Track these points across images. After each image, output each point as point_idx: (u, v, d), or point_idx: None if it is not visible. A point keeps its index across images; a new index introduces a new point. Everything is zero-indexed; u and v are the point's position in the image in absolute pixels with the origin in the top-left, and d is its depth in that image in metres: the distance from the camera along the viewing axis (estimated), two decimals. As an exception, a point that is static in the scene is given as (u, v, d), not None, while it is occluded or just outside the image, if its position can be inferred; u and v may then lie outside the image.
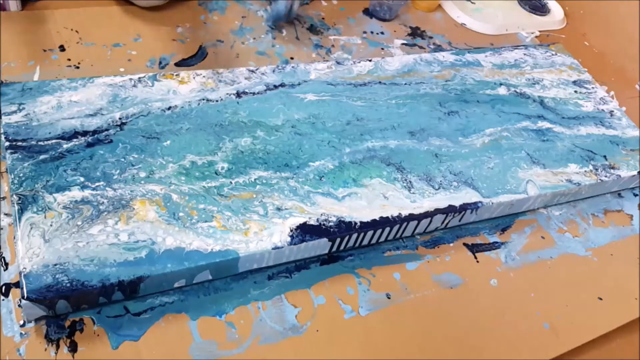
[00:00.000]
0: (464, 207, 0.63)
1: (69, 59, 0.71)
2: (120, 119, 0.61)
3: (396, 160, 0.66)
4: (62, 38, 0.73)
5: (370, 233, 0.59)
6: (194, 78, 0.68)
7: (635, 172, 0.74)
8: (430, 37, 0.95)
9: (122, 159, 0.57)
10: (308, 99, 0.70)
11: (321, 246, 0.57)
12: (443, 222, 0.64)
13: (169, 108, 0.64)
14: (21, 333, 0.48)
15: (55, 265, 0.48)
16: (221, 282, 0.55)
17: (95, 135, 0.59)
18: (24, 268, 0.47)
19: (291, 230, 0.55)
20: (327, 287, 0.57)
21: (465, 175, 0.66)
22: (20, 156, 0.55)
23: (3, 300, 0.49)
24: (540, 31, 1.05)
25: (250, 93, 0.69)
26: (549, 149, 0.73)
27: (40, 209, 0.51)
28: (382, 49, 0.89)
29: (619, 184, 0.75)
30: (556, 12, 1.09)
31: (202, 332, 0.51)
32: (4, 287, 0.50)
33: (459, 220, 0.65)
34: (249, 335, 0.52)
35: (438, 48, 0.93)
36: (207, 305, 0.53)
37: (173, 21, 0.81)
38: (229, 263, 0.52)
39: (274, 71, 0.73)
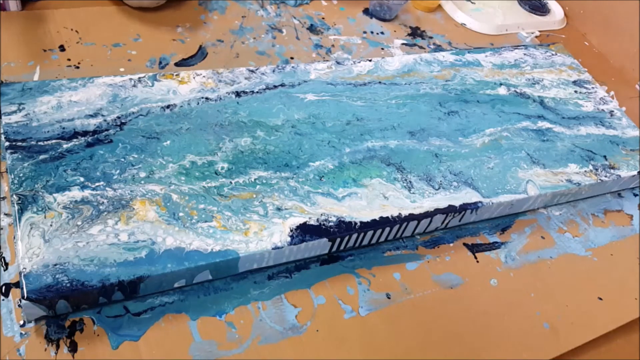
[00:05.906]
0: (464, 207, 0.63)
1: (69, 59, 0.71)
2: (120, 118, 0.61)
3: (396, 160, 0.66)
4: (62, 38, 0.73)
5: (370, 233, 0.59)
6: (194, 78, 0.68)
7: (635, 172, 0.74)
8: (430, 37, 0.95)
9: (122, 159, 0.57)
10: (308, 99, 0.70)
11: (321, 246, 0.57)
12: (443, 222, 0.64)
13: (169, 108, 0.64)
14: (21, 333, 0.48)
15: (55, 265, 0.48)
16: (221, 282, 0.55)
17: (95, 135, 0.59)
18: (24, 268, 0.47)
19: (291, 230, 0.55)
20: (327, 287, 0.57)
21: (465, 175, 0.66)
22: (20, 156, 0.55)
23: (3, 300, 0.49)
24: (540, 31, 1.05)
25: (250, 93, 0.69)
26: (549, 149, 0.73)
27: (40, 209, 0.51)
28: (382, 49, 0.89)
29: (619, 184, 0.75)
30: (556, 12, 1.09)
31: (202, 332, 0.51)
32: (4, 287, 0.50)
33: (459, 220, 0.65)
34: (249, 335, 0.52)
35: (438, 48, 0.93)
36: (207, 305, 0.53)
37: (173, 21, 0.81)
38: (229, 263, 0.52)
39: (274, 71, 0.73)
